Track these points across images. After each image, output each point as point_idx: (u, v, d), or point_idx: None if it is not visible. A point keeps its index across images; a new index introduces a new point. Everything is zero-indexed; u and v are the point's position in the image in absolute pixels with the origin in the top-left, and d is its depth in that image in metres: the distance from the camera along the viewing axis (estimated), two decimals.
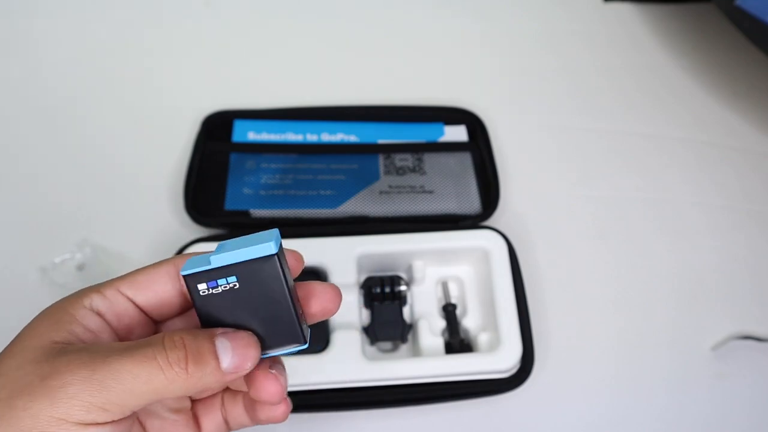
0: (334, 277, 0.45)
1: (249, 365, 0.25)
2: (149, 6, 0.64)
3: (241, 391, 0.30)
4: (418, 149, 0.54)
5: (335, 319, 0.43)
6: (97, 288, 0.26)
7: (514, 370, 0.43)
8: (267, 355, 0.26)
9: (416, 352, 0.44)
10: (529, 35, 0.65)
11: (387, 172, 0.52)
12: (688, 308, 0.48)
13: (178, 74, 0.60)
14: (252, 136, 0.54)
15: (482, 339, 0.44)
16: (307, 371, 0.41)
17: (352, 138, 0.55)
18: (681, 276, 0.50)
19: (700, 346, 0.47)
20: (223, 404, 0.30)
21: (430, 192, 0.51)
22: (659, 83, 0.61)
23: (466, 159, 0.53)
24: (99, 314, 0.25)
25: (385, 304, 0.45)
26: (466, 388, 0.42)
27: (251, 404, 0.29)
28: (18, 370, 0.23)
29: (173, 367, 0.23)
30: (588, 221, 0.52)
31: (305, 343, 0.26)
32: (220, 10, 0.65)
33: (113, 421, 0.23)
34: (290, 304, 0.25)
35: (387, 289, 0.45)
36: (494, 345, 0.43)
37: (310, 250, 0.44)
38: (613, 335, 0.47)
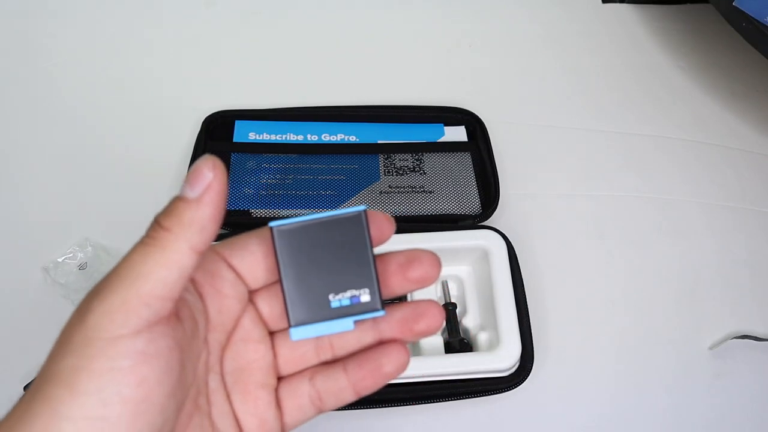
0: None
1: None
2: (151, 7, 0.65)
3: (341, 362, 0.27)
4: (418, 149, 0.54)
5: None
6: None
7: (513, 369, 0.43)
8: None
9: (416, 351, 0.44)
10: (528, 36, 0.65)
11: (387, 173, 0.52)
12: (686, 307, 0.49)
13: (179, 74, 0.60)
14: (253, 137, 0.54)
15: (482, 338, 0.44)
16: None
17: (353, 138, 0.55)
18: (680, 276, 0.50)
19: (699, 345, 0.47)
20: (313, 383, 0.27)
21: (430, 192, 0.51)
22: (658, 83, 0.62)
23: (465, 159, 0.54)
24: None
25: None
26: (466, 387, 0.42)
27: (405, 322, 0.27)
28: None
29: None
30: (587, 221, 0.53)
31: (382, 310, 0.25)
32: (221, 11, 0.65)
33: (164, 318, 0.22)
34: (371, 263, 0.25)
35: None
36: (494, 344, 0.43)
37: None
38: (612, 334, 0.47)
